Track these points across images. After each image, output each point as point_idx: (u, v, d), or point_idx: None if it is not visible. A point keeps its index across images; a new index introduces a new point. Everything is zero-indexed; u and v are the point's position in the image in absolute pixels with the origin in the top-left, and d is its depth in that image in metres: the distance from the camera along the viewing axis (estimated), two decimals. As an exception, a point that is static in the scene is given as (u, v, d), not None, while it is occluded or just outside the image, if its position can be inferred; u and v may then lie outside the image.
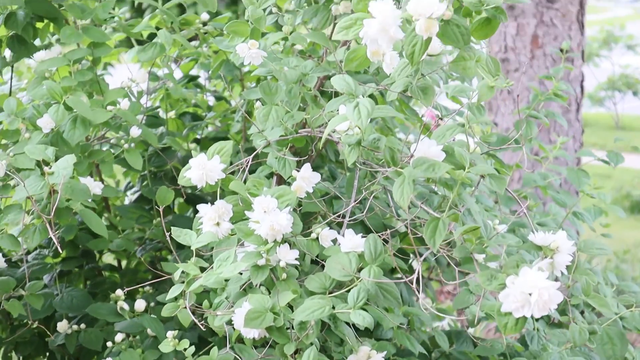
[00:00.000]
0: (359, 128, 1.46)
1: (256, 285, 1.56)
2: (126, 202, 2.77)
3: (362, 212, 1.82)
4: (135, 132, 2.26)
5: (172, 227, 1.62)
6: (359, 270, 1.50)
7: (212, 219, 1.60)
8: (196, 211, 1.67)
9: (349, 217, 1.73)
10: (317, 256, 1.65)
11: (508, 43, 5.73)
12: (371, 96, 1.45)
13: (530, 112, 2.58)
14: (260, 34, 1.67)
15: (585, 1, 5.72)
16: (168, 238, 1.63)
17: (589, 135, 11.21)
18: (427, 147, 1.52)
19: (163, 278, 1.79)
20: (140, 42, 2.51)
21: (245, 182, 1.64)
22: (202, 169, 1.60)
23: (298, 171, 1.68)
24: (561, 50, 5.71)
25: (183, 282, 1.57)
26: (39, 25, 2.33)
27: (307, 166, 1.67)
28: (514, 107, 5.69)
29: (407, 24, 1.24)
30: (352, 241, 1.57)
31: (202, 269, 1.56)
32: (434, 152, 1.51)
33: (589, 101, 12.77)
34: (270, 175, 1.92)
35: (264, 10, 2.36)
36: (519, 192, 2.78)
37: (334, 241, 1.64)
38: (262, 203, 1.52)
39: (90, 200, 2.06)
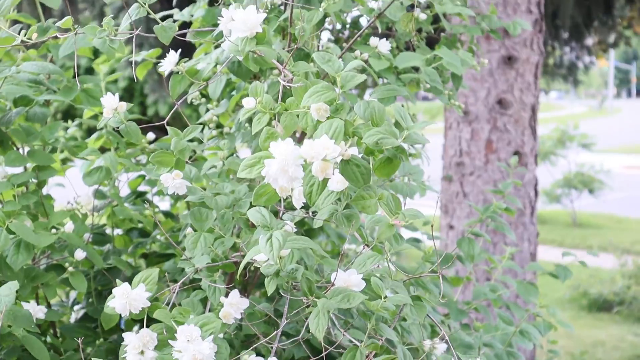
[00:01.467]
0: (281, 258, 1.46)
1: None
2: (73, 317, 2.72)
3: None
4: (79, 255, 2.24)
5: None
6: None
7: (136, 347, 1.57)
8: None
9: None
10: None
11: (463, 147, 5.81)
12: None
13: (472, 230, 2.59)
14: (184, 165, 1.68)
15: (537, 107, 5.84)
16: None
17: (546, 233, 11.30)
18: (348, 275, 1.51)
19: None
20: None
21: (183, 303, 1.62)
22: (125, 298, 1.58)
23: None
24: (515, 154, 5.81)
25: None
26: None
27: (234, 292, 1.66)
28: (470, 210, 5.73)
29: (307, 163, 1.25)
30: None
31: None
32: (354, 280, 1.51)
33: (546, 198, 12.94)
34: (205, 299, 1.90)
35: (206, 126, 2.40)
36: (470, 305, 2.75)
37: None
38: (185, 332, 1.50)
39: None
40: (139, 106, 9.77)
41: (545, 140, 13.64)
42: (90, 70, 10.22)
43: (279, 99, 1.53)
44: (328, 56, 1.41)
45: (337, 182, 1.34)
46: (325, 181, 1.27)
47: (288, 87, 1.48)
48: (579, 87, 11.68)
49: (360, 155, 1.33)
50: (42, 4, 2.27)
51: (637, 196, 15.62)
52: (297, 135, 2.23)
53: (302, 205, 1.46)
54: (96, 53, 2.48)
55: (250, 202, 1.92)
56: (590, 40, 10.69)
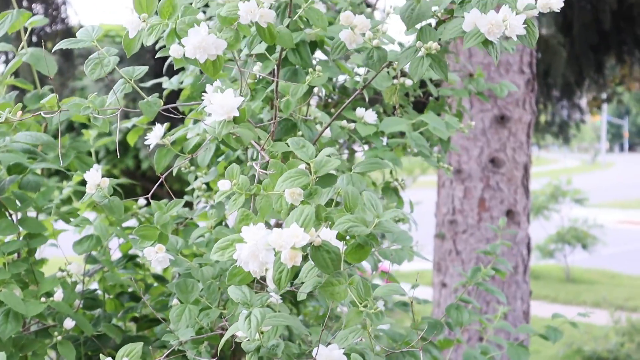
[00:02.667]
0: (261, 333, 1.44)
1: None
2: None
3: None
4: (68, 324, 2.22)
5: None
6: None
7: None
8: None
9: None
10: None
11: (456, 205, 5.81)
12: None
13: (461, 297, 2.57)
14: (167, 239, 1.67)
15: (529, 166, 5.85)
16: None
17: (540, 288, 11.24)
18: (330, 351, 1.49)
19: None
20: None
21: None
22: (110, 376, 1.55)
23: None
24: (507, 214, 5.80)
25: None
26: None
27: (217, 365, 1.64)
28: (462, 268, 5.70)
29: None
30: None
31: None
32: (336, 355, 1.48)
33: (540, 253, 12.90)
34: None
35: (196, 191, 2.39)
36: (461, 368, 2.72)
37: None
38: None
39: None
40: (134, 159, 9.73)
41: (538, 195, 13.65)
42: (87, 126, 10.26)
43: (256, 179, 1.53)
44: (302, 142, 1.41)
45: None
46: (294, 268, 1.26)
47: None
48: (571, 143, 11.74)
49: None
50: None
51: (631, 251, 15.58)
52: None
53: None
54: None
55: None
56: (581, 98, 10.75)
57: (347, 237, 1.32)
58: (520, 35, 1.64)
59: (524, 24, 1.63)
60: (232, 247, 1.30)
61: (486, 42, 1.63)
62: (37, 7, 8.65)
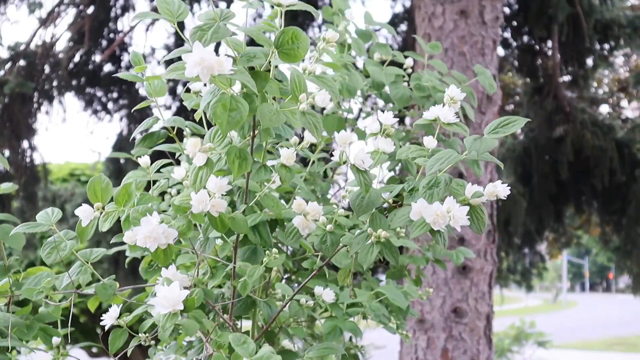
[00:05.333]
0: None
1: None
2: None
3: None
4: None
5: None
6: None
7: None
8: None
9: None
10: None
11: (419, 355, 5.71)
12: None
13: None
14: None
15: (492, 316, 5.81)
16: None
17: None
18: None
19: None
20: None
21: None
22: None
23: None
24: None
25: None
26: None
27: None
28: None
29: None
30: None
31: None
32: None
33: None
34: None
35: None
36: None
37: None
38: None
39: None
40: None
41: (502, 338, 13.52)
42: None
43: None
44: (244, 338, 1.39)
45: None
46: None
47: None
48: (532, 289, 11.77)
49: None
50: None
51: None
52: None
53: None
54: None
55: None
56: (542, 246, 10.85)
57: None
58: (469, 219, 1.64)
59: (469, 213, 1.65)
60: None
61: (433, 231, 1.64)
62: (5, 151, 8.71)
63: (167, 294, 1.43)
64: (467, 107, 2.45)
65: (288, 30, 1.51)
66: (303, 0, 1.62)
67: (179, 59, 1.42)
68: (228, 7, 8.43)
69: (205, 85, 1.90)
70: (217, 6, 1.78)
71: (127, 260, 2.57)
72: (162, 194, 2.31)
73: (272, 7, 1.64)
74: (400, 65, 2.69)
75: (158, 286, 1.46)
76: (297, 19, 8.66)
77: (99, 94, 9.58)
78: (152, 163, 1.90)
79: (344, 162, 1.70)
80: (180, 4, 1.48)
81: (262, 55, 1.50)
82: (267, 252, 1.87)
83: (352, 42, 2.57)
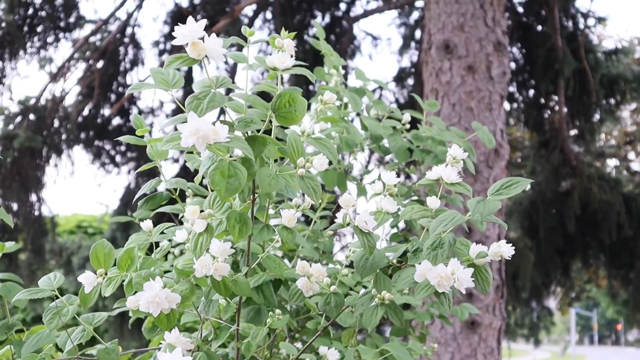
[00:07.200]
0: None
1: None
2: None
3: None
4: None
5: None
6: None
7: None
8: None
9: None
10: None
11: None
12: None
13: None
14: None
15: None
16: None
17: None
18: None
19: None
20: None
21: None
22: None
23: None
24: None
25: None
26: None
27: None
28: None
29: None
30: None
31: None
32: None
33: None
34: None
35: None
36: None
37: None
38: None
39: None
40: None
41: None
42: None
43: None
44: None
45: None
46: None
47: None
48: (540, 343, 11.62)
49: None
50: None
51: None
52: None
53: None
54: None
55: None
56: (549, 299, 10.75)
57: None
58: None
59: (474, 274, 1.63)
60: None
61: (438, 293, 1.61)
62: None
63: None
64: (468, 162, 2.44)
65: (285, 94, 1.51)
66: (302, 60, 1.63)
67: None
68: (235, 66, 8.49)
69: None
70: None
71: (131, 320, 2.54)
72: (166, 254, 2.30)
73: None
74: (399, 122, 2.70)
75: (160, 353, 1.44)
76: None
77: (107, 147, 9.64)
78: (155, 224, 1.89)
79: (348, 224, 1.69)
80: (175, 74, 1.49)
81: (260, 120, 1.50)
82: (270, 312, 1.85)
83: (349, 99, 2.58)
